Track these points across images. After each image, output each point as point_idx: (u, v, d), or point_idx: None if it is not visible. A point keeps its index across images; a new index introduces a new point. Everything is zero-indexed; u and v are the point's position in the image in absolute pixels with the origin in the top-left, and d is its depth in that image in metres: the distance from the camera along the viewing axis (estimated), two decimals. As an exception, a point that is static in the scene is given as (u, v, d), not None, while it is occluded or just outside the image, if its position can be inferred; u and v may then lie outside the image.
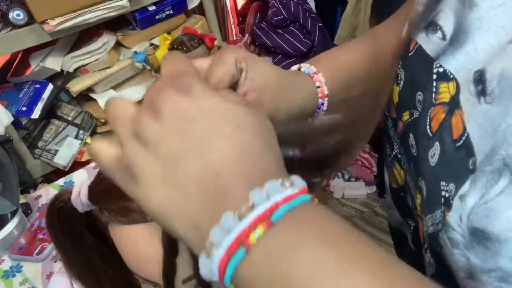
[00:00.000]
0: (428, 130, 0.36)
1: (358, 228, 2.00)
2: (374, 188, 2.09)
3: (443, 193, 0.33)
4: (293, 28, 1.96)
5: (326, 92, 0.46)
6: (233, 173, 0.25)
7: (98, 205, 0.40)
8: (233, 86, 0.38)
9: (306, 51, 1.93)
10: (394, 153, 0.47)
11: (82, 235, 0.44)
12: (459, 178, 0.32)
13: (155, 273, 0.39)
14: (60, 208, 0.42)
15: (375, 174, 2.09)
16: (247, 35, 2.11)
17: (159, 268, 0.38)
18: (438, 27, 0.38)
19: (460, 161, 0.32)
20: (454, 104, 0.34)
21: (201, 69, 0.36)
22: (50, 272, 0.97)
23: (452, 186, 0.32)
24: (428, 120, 0.36)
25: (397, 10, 0.54)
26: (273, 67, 0.42)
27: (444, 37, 0.37)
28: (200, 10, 1.98)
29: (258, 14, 2.10)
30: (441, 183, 0.33)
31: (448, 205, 0.32)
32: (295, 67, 0.48)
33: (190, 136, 0.25)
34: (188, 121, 0.25)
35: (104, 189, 0.39)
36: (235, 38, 2.30)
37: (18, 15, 1.47)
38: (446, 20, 0.37)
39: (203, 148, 0.25)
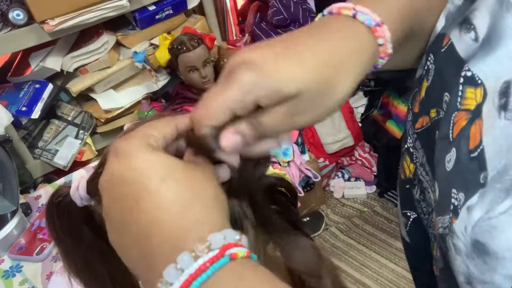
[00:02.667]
0: (450, 135, 0.35)
1: (358, 228, 2.00)
2: (374, 188, 2.09)
3: (453, 200, 0.33)
4: (293, 28, 1.96)
5: (390, 51, 0.34)
6: (159, 238, 0.27)
7: (96, 198, 0.40)
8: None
9: (306, 51, 1.93)
10: (406, 146, 0.46)
11: (81, 229, 0.44)
12: (469, 190, 0.31)
13: None
14: (59, 202, 0.42)
15: (375, 174, 2.09)
16: (247, 35, 2.11)
17: None
18: (471, 26, 0.35)
19: (472, 173, 0.31)
20: (477, 112, 0.32)
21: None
22: (50, 272, 0.97)
23: (461, 196, 0.32)
24: (451, 124, 0.35)
25: None
26: (303, 62, 0.31)
27: (476, 39, 0.34)
28: (200, 10, 1.98)
29: (258, 14, 2.10)
30: (453, 190, 0.33)
31: (456, 213, 0.32)
32: (347, 10, 0.34)
33: (124, 200, 0.28)
34: (118, 183, 0.29)
35: None
36: (235, 38, 2.30)
37: (18, 15, 1.47)
38: (481, 20, 0.34)
39: (134, 211, 0.28)
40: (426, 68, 0.41)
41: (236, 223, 0.33)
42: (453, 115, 0.35)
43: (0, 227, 1.02)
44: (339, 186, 2.09)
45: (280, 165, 1.70)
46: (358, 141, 2.12)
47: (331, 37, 0.33)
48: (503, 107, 0.30)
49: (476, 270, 0.31)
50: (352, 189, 2.09)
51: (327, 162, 2.06)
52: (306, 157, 1.83)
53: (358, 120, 2.18)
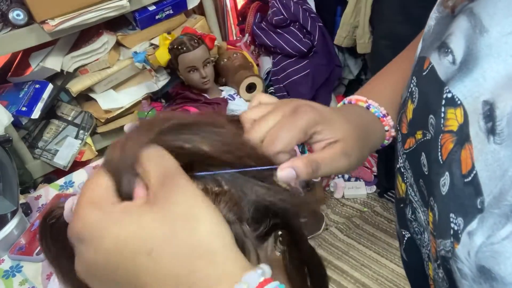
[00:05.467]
0: (439, 157, 0.35)
1: (358, 228, 2.00)
2: (374, 188, 2.09)
3: (452, 225, 0.33)
4: (293, 28, 1.96)
5: (393, 134, 0.48)
6: None
7: None
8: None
9: (306, 51, 1.93)
10: (398, 166, 0.47)
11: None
12: (468, 215, 0.31)
13: None
14: (53, 224, 0.42)
15: (375, 174, 2.09)
16: (247, 35, 2.11)
17: None
18: (449, 50, 0.37)
19: (469, 198, 0.31)
20: (463, 135, 0.33)
21: (265, 130, 0.38)
22: (50, 272, 0.97)
23: (460, 221, 0.32)
24: (439, 147, 0.36)
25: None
26: (346, 121, 0.43)
27: (454, 61, 0.36)
28: (200, 10, 1.98)
29: (258, 14, 2.10)
30: (451, 214, 0.33)
31: (457, 238, 0.32)
32: (362, 102, 0.49)
33: (113, 280, 0.28)
34: (109, 273, 0.28)
35: None
36: (235, 38, 2.30)
37: (18, 15, 1.47)
38: (457, 44, 0.36)
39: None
40: (410, 90, 0.43)
41: (236, 242, 0.33)
42: (440, 137, 0.36)
43: (0, 227, 1.02)
44: (339, 186, 2.09)
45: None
46: (358, 141, 2.12)
47: (359, 115, 0.47)
48: (491, 131, 0.31)
49: None
50: (352, 189, 2.09)
51: (327, 162, 2.06)
52: (306, 157, 1.83)
53: (358, 120, 2.18)
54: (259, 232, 0.38)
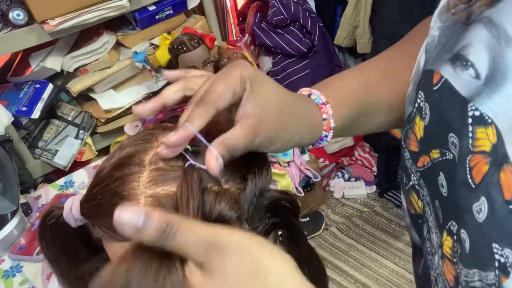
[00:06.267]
0: (470, 180, 0.32)
1: (358, 228, 2.00)
2: (374, 188, 2.09)
3: (496, 256, 0.30)
4: (293, 28, 1.96)
5: (332, 125, 0.45)
6: None
7: (90, 220, 0.39)
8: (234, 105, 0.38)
9: (306, 51, 1.93)
10: (411, 183, 0.44)
11: (76, 249, 0.44)
12: None
13: None
14: (52, 224, 0.42)
15: (375, 174, 2.09)
16: (247, 35, 2.11)
17: None
18: (468, 63, 0.34)
19: None
20: (499, 156, 0.30)
21: (198, 83, 0.37)
22: (50, 272, 0.97)
23: (509, 252, 0.29)
24: (468, 169, 0.33)
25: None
26: (279, 91, 0.41)
27: (478, 76, 0.33)
28: (200, 10, 1.98)
29: (258, 14, 2.10)
30: (493, 245, 0.30)
31: (504, 271, 0.30)
32: (305, 91, 0.46)
33: None
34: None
35: (96, 204, 0.38)
36: (235, 38, 2.30)
37: (18, 15, 1.47)
38: (479, 57, 0.33)
39: None
40: (417, 105, 0.41)
41: None
42: (468, 158, 0.33)
43: (0, 227, 1.02)
44: (339, 186, 2.09)
45: (280, 165, 1.70)
46: (358, 141, 2.12)
47: (295, 95, 0.45)
48: None
49: None
50: (352, 189, 2.09)
51: (327, 162, 2.06)
52: (306, 157, 1.83)
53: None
54: (258, 231, 0.38)
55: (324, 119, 0.44)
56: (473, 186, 0.32)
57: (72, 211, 0.39)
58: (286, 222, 0.42)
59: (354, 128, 0.50)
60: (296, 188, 1.75)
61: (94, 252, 0.45)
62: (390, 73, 0.50)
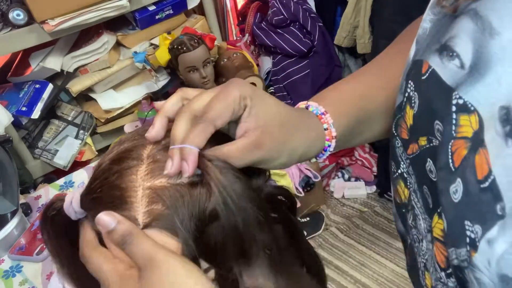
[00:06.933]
0: (451, 164, 0.34)
1: (358, 228, 2.00)
2: (374, 188, 2.09)
3: (468, 233, 0.32)
4: (293, 28, 1.96)
5: (334, 134, 0.45)
6: None
7: (90, 212, 0.40)
8: (236, 121, 0.39)
9: (306, 51, 1.93)
10: (400, 171, 0.45)
11: (77, 241, 0.44)
12: (486, 222, 0.30)
13: None
14: (54, 216, 0.42)
15: (375, 174, 2.09)
16: (247, 35, 2.11)
17: None
18: (454, 54, 0.35)
19: (487, 204, 0.30)
20: (477, 141, 0.32)
21: (202, 103, 0.38)
22: (50, 272, 0.97)
23: (478, 228, 0.31)
24: (450, 154, 0.34)
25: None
26: (280, 106, 0.42)
27: (462, 66, 0.34)
28: (200, 10, 1.98)
29: (258, 14, 2.10)
30: (466, 222, 0.32)
31: (474, 246, 0.31)
32: (302, 104, 0.47)
33: None
34: None
35: (96, 197, 0.39)
36: (235, 38, 2.30)
37: (18, 15, 1.47)
38: (464, 47, 0.34)
39: None
40: (407, 95, 0.42)
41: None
42: (450, 143, 0.34)
43: (0, 227, 1.02)
44: (339, 186, 2.09)
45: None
46: (358, 141, 2.12)
47: (295, 109, 0.46)
48: (509, 135, 0.29)
49: None
50: (352, 189, 2.09)
51: (327, 162, 2.06)
52: (306, 157, 1.83)
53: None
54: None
55: (325, 129, 0.45)
56: (453, 169, 0.34)
57: (72, 204, 0.40)
58: (283, 217, 0.42)
59: (354, 136, 0.50)
60: (296, 188, 1.75)
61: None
62: (385, 79, 0.51)
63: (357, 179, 2.12)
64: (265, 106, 0.40)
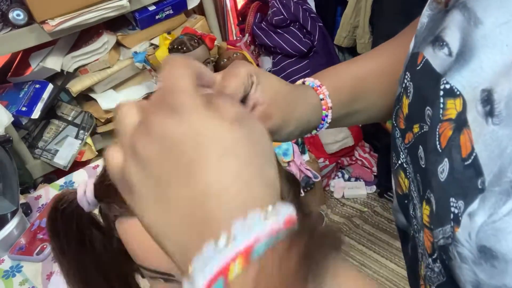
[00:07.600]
0: (438, 146, 0.36)
1: (358, 228, 2.00)
2: (374, 188, 2.09)
3: (452, 209, 0.33)
4: (293, 28, 1.96)
5: (330, 104, 0.49)
6: (218, 203, 0.24)
7: (106, 200, 0.40)
8: (243, 98, 0.41)
9: (306, 51, 1.93)
10: (400, 162, 0.47)
11: (87, 235, 0.44)
12: (468, 196, 0.32)
13: (164, 261, 0.39)
14: (65, 209, 0.42)
15: (375, 174, 2.09)
16: (247, 35, 2.11)
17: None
18: (444, 43, 0.38)
19: (469, 180, 0.32)
20: (461, 122, 0.34)
21: (215, 82, 0.38)
22: (50, 272, 0.97)
23: (461, 203, 0.32)
24: (437, 136, 0.36)
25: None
26: (281, 81, 0.45)
27: (450, 54, 0.37)
28: (200, 10, 1.98)
29: (258, 14, 2.10)
30: (451, 199, 0.33)
31: (457, 221, 0.33)
32: (300, 81, 0.51)
33: (178, 160, 0.25)
34: (176, 145, 0.25)
35: (111, 184, 0.39)
36: (235, 38, 2.30)
37: (18, 15, 1.47)
38: (452, 37, 0.37)
39: (190, 174, 0.25)
40: (404, 86, 0.44)
41: None
42: (438, 126, 0.36)
43: (0, 227, 1.02)
44: (339, 186, 2.09)
45: (280, 165, 1.70)
46: (358, 141, 2.12)
47: (292, 84, 0.48)
48: (489, 114, 0.31)
49: (484, 276, 0.31)
50: (352, 189, 2.09)
51: (327, 162, 2.06)
52: (306, 157, 1.83)
53: (358, 120, 2.18)
54: None
55: (321, 99, 0.48)
56: (440, 150, 0.35)
57: (86, 194, 0.40)
58: (290, 200, 0.43)
59: (350, 114, 0.53)
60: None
61: (108, 239, 0.45)
62: (382, 65, 0.54)
63: (357, 179, 2.12)
64: (270, 82, 0.43)
